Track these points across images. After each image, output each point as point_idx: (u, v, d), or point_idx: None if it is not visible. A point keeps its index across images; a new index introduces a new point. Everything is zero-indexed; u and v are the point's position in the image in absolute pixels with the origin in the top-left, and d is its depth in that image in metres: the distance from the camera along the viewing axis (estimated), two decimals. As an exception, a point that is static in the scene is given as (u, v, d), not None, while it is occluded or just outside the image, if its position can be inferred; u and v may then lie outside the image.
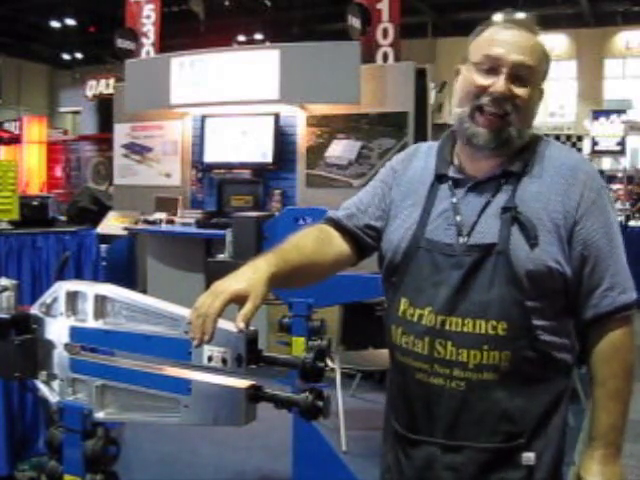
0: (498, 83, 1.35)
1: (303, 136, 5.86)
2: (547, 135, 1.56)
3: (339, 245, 1.52)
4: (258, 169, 5.97)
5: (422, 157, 1.54)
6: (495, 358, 1.35)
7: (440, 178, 1.47)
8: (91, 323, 1.39)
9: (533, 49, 1.38)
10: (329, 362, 3.86)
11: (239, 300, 1.21)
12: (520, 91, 1.36)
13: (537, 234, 1.35)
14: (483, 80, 1.37)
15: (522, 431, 1.38)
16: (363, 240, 1.54)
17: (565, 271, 1.37)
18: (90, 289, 1.40)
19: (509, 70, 1.35)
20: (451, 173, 1.46)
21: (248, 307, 1.21)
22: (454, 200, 1.43)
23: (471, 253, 1.37)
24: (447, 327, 1.37)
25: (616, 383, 1.40)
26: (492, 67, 1.36)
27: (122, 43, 7.92)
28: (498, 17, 1.45)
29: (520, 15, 1.54)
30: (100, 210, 6.99)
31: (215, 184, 6.20)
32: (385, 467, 1.56)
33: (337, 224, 1.55)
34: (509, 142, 1.38)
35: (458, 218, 1.41)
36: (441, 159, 1.49)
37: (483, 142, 1.38)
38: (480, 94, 1.37)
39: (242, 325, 1.19)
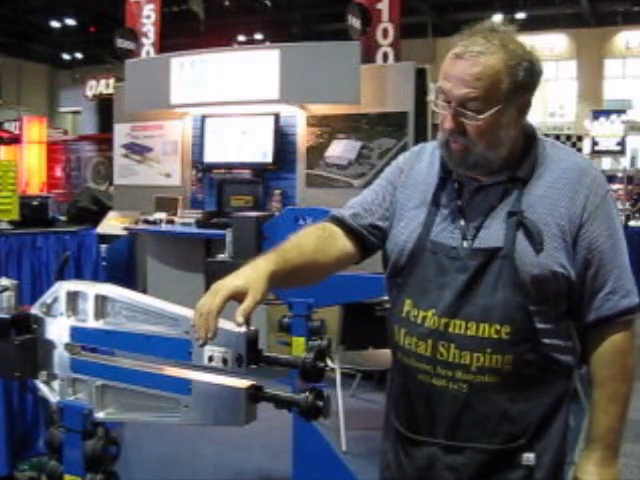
0: (447, 119, 1.36)
1: (303, 136, 5.85)
2: (547, 135, 1.56)
3: (343, 244, 1.52)
4: (258, 169, 5.96)
5: (427, 158, 1.54)
6: (498, 361, 1.35)
7: (445, 180, 1.47)
8: (91, 323, 1.39)
9: (481, 76, 1.31)
10: (329, 362, 3.86)
11: (239, 297, 1.22)
12: (470, 123, 1.34)
13: (543, 239, 1.35)
14: (444, 112, 1.38)
15: (523, 432, 1.39)
16: (368, 239, 1.54)
17: (570, 275, 1.37)
18: (90, 289, 1.40)
19: (456, 105, 1.34)
20: (456, 175, 1.46)
21: (247, 302, 1.21)
22: (459, 203, 1.43)
23: (476, 257, 1.37)
24: (450, 330, 1.37)
25: (615, 386, 1.40)
26: (445, 100, 1.37)
27: (122, 43, 7.91)
28: (470, 29, 1.39)
29: (498, 18, 1.50)
30: (100, 210, 6.98)
31: (215, 184, 6.19)
32: (385, 465, 1.56)
33: (341, 223, 1.55)
34: (478, 165, 1.38)
35: (463, 222, 1.41)
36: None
37: (453, 166, 1.42)
38: None
39: (241, 320, 1.19)
